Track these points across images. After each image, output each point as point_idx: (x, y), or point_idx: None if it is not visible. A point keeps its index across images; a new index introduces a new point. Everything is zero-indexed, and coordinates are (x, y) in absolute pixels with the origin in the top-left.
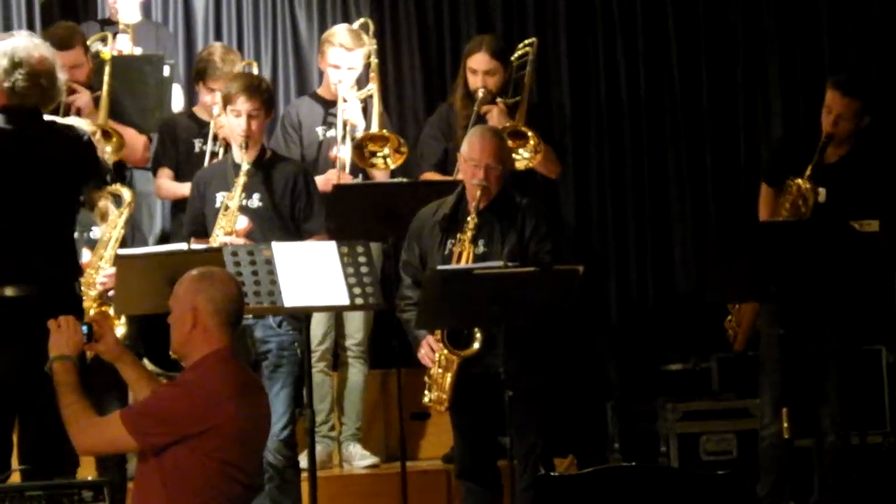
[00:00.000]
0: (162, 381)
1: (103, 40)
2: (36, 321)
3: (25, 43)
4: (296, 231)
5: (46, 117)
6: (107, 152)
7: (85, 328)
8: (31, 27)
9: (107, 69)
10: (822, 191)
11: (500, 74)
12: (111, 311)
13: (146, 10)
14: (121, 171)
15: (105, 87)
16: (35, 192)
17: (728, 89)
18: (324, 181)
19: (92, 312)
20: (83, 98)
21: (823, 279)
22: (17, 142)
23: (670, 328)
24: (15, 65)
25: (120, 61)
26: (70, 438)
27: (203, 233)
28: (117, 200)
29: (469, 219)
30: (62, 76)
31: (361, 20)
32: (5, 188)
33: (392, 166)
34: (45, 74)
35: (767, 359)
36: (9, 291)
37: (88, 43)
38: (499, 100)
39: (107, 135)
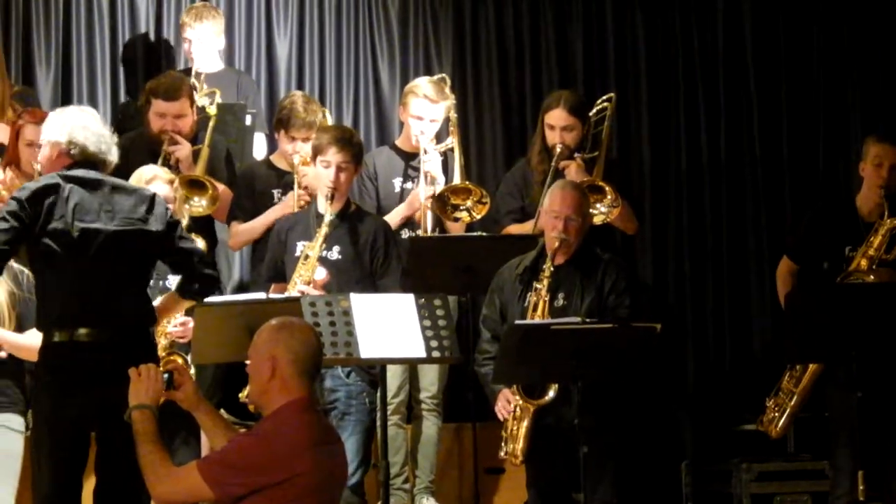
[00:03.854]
0: (238, 430)
1: (210, 95)
2: (109, 365)
3: (81, 111)
4: (372, 286)
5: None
6: (202, 205)
7: (165, 376)
8: (114, 77)
9: (211, 123)
10: None
11: (578, 130)
12: (180, 360)
13: (229, 58)
14: (201, 222)
15: (206, 141)
16: (108, 240)
17: (809, 145)
18: (407, 206)
19: (161, 360)
20: (183, 150)
21: None
22: (90, 189)
23: (746, 387)
24: (84, 127)
25: (204, 110)
26: (147, 487)
27: (281, 278)
28: None
29: (545, 268)
30: (115, 150)
31: (439, 75)
32: (79, 237)
33: (476, 217)
34: (108, 138)
35: (843, 422)
36: (81, 335)
37: (196, 97)
38: (577, 155)
39: (201, 186)
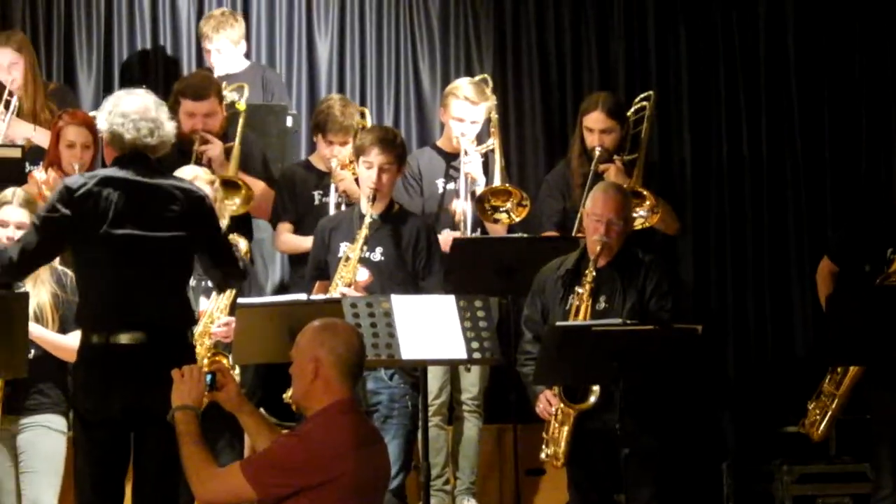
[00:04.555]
0: (281, 431)
1: (239, 90)
2: (146, 367)
3: (128, 93)
4: (415, 287)
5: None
6: (235, 203)
7: (208, 377)
8: (156, 77)
9: (241, 120)
10: None
11: (617, 132)
12: (226, 361)
13: (270, 60)
14: (240, 221)
15: (238, 139)
16: (148, 240)
17: (851, 144)
18: (443, 241)
19: (206, 361)
20: (215, 149)
21: None
22: (131, 191)
23: (788, 388)
24: (119, 112)
25: (244, 110)
26: (191, 488)
27: (325, 277)
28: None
29: (587, 272)
30: (169, 124)
31: (481, 76)
32: (119, 237)
33: (516, 219)
34: (139, 113)
35: (885, 424)
36: (122, 338)
37: (224, 93)
38: (616, 158)
39: (235, 186)
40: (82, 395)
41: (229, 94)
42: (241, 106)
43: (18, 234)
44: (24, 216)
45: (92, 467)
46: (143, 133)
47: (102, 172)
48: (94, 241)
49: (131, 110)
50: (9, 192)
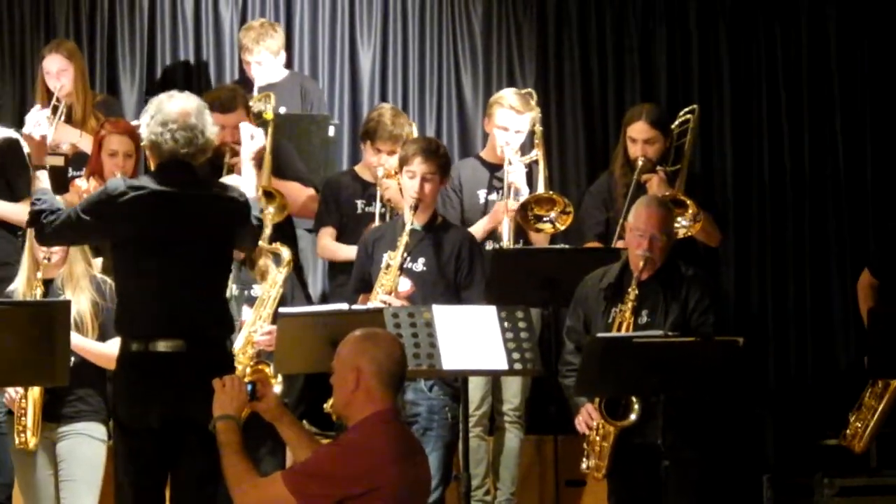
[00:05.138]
0: (321, 441)
1: (266, 100)
2: (187, 376)
3: (169, 98)
4: (457, 298)
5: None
6: (269, 213)
7: (248, 387)
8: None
9: (269, 129)
10: None
11: (660, 143)
12: (268, 370)
13: (313, 70)
14: (283, 230)
15: (268, 148)
16: (187, 248)
17: (893, 156)
18: (491, 218)
19: (249, 370)
20: None
21: None
22: (170, 199)
23: (829, 401)
24: (159, 120)
25: (287, 119)
26: (232, 497)
27: (368, 290)
28: (277, 259)
29: (630, 290)
30: (211, 129)
31: (526, 90)
32: (158, 245)
33: (560, 228)
34: (178, 122)
35: None
36: (160, 346)
37: (251, 104)
38: (659, 168)
39: (269, 196)
40: (122, 404)
41: (256, 105)
42: (269, 115)
43: None
44: None
45: (132, 476)
46: (181, 143)
47: (143, 180)
48: (133, 248)
49: (171, 118)
50: None
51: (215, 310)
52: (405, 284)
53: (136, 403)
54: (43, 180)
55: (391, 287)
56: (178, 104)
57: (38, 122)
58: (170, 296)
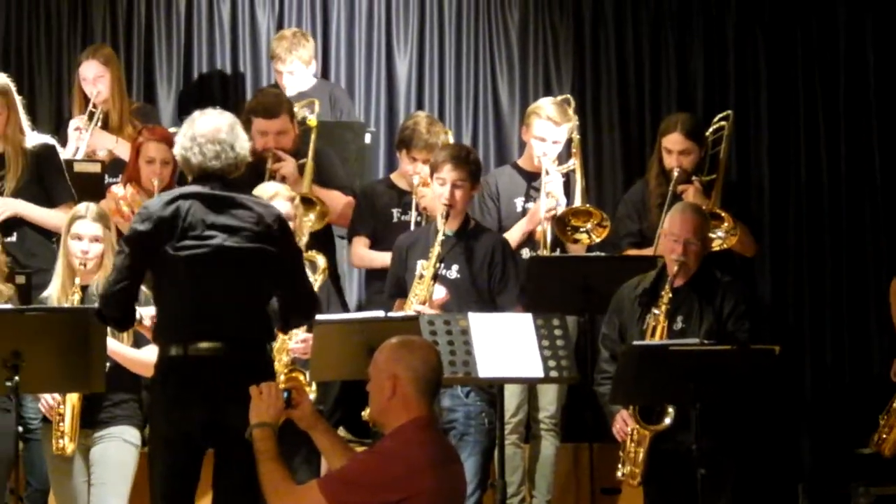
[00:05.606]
0: (356, 449)
1: (310, 106)
2: (224, 381)
3: (202, 114)
4: (491, 303)
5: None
6: (309, 220)
7: (284, 394)
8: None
9: (312, 136)
10: None
11: (696, 153)
12: (303, 378)
13: (349, 78)
14: (322, 237)
15: (310, 154)
16: (226, 254)
17: None
18: (528, 220)
19: (283, 377)
20: (288, 166)
21: None
22: (208, 207)
23: (866, 409)
24: (192, 138)
25: (322, 127)
26: None
27: (403, 294)
28: (312, 267)
29: (663, 293)
30: (242, 144)
31: (563, 97)
32: (197, 251)
33: (596, 240)
34: (206, 136)
35: None
36: (199, 349)
37: (296, 110)
38: (694, 178)
39: (310, 203)
40: (160, 410)
41: (300, 111)
42: (313, 122)
43: (93, 247)
44: (98, 230)
45: (169, 481)
46: (209, 157)
47: (179, 191)
48: (172, 256)
49: (200, 133)
50: (82, 206)
51: (255, 314)
52: (440, 292)
53: (175, 409)
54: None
55: (425, 297)
56: (208, 120)
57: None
58: (209, 301)
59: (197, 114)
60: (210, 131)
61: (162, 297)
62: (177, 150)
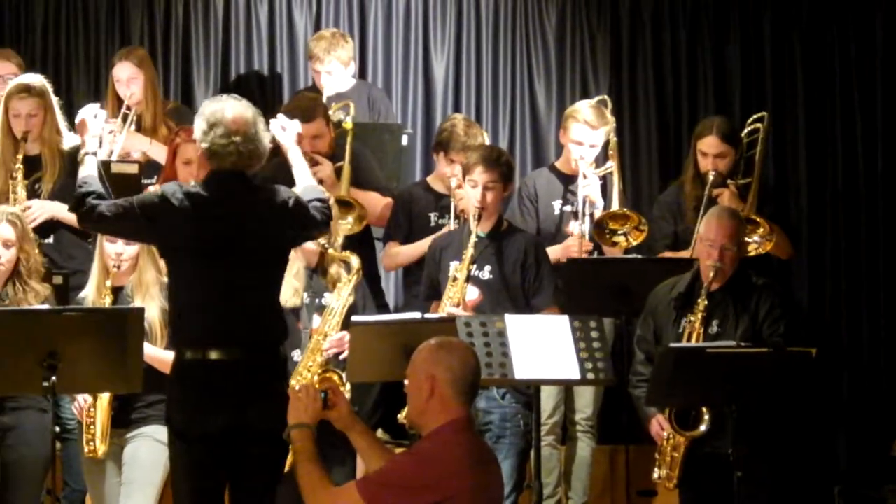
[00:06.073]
0: (393, 450)
1: (345, 109)
2: (244, 385)
3: (223, 104)
4: (525, 304)
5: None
6: (348, 223)
7: (321, 395)
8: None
9: (349, 139)
10: None
11: (731, 157)
12: (336, 378)
13: (386, 79)
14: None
15: (347, 157)
16: (239, 255)
17: None
18: (562, 250)
19: (317, 378)
20: (325, 169)
21: None
22: (222, 208)
23: None
24: (211, 125)
25: (360, 129)
26: None
27: (438, 296)
28: (348, 267)
29: (699, 300)
30: (265, 136)
31: (600, 97)
32: (209, 253)
33: (634, 243)
34: (240, 133)
35: None
36: (213, 355)
37: (331, 112)
38: (730, 182)
39: (348, 205)
40: (178, 411)
41: (336, 114)
42: (349, 125)
43: (128, 249)
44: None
45: (192, 482)
46: (245, 155)
47: (196, 188)
48: (186, 258)
49: (232, 129)
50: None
51: (269, 316)
52: (473, 293)
53: (192, 411)
54: (88, 166)
55: (458, 299)
56: (232, 109)
57: (95, 115)
58: (223, 304)
59: (216, 105)
60: (231, 120)
61: (177, 301)
62: (203, 143)
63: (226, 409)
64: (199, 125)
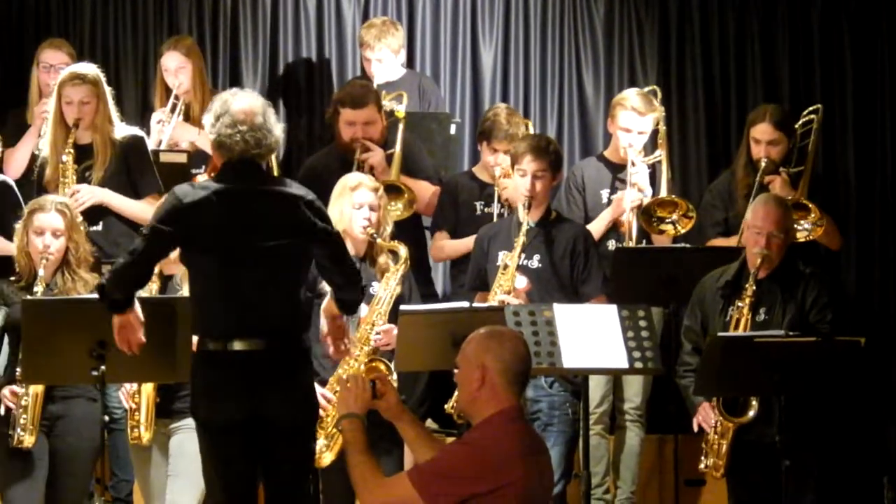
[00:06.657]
0: (441, 440)
1: (398, 98)
2: (264, 374)
3: (230, 96)
4: (574, 293)
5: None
6: (397, 209)
7: (369, 385)
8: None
9: (401, 127)
10: None
11: (784, 144)
12: (382, 367)
13: (434, 69)
14: (410, 228)
15: (398, 145)
16: (256, 246)
17: None
18: (612, 207)
19: (363, 368)
20: (376, 156)
21: None
22: (236, 199)
23: None
24: (217, 116)
25: (409, 117)
26: (357, 496)
27: (485, 286)
28: (394, 257)
29: (747, 286)
30: (277, 127)
31: (650, 87)
32: (229, 245)
33: (681, 231)
34: (247, 122)
35: None
36: (236, 346)
37: (384, 102)
38: (782, 170)
39: (398, 191)
40: (202, 401)
41: (388, 103)
42: (401, 113)
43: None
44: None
45: (220, 470)
46: (251, 144)
47: (211, 183)
48: (205, 252)
49: (239, 119)
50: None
51: (290, 307)
52: (522, 282)
53: (216, 400)
54: None
55: (509, 287)
56: (244, 102)
57: None
58: (244, 295)
59: (228, 95)
60: (248, 116)
61: (198, 293)
62: (212, 134)
63: (249, 398)
64: (207, 118)
